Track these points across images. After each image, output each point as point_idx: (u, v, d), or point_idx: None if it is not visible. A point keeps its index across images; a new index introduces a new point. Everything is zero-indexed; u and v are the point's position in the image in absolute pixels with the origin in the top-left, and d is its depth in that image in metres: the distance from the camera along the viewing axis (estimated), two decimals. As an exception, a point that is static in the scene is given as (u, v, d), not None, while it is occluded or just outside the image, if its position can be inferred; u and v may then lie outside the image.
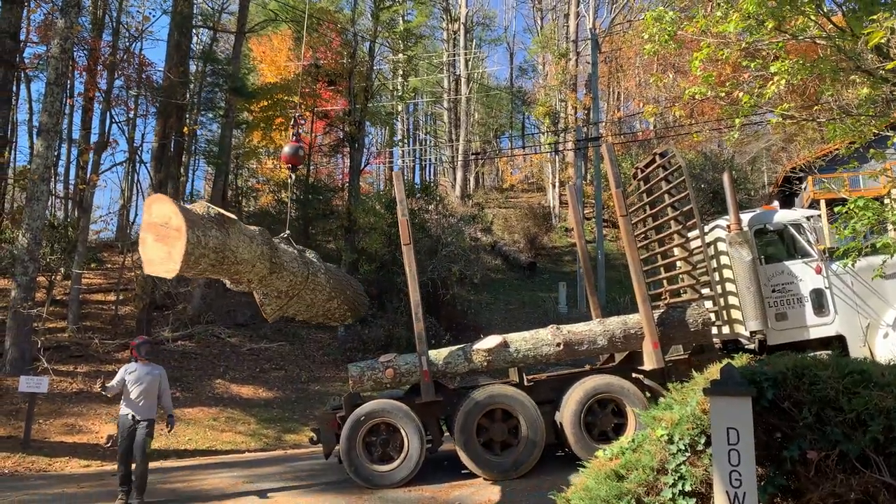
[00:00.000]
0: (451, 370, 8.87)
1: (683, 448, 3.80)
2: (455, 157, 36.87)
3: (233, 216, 7.25)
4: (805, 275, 9.19)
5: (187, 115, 21.22)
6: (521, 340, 8.92)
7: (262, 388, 17.90)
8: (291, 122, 10.22)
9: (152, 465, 12.25)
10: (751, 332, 8.91)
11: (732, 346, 9.89)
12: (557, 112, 34.51)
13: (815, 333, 9.12)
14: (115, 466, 12.15)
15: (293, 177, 9.83)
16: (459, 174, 35.93)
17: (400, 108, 39.05)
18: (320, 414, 9.13)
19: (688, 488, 3.72)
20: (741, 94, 6.44)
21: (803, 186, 33.84)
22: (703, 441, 3.80)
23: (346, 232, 21.96)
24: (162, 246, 6.17)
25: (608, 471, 3.92)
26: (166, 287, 17.75)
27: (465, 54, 36.49)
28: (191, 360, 18.56)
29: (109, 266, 25.82)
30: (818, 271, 9.02)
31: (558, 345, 8.85)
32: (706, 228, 9.74)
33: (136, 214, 27.28)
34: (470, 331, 20.10)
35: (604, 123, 32.75)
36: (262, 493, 8.41)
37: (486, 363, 8.80)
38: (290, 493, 8.38)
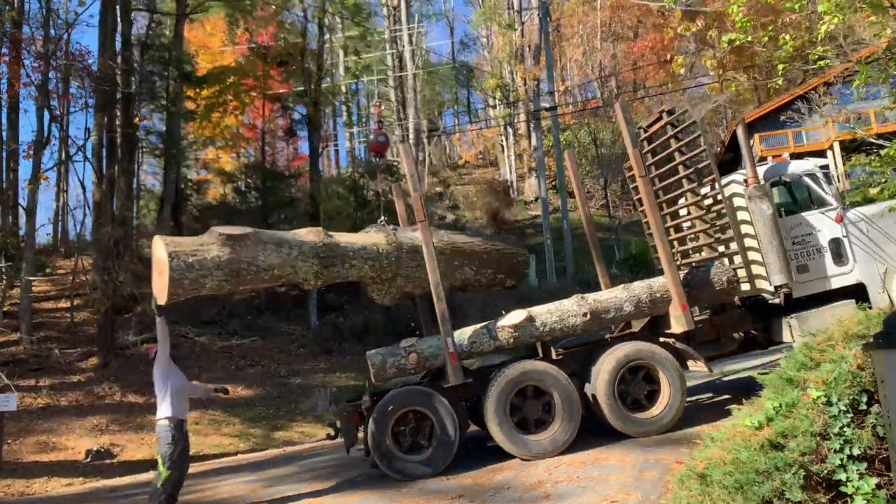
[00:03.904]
0: (476, 350, 8.44)
1: (845, 409, 3.49)
2: (406, 136, 36.14)
3: (242, 231, 7.51)
4: (822, 225, 9.09)
5: (130, 106, 19.98)
6: (547, 313, 8.54)
7: (240, 386, 17.15)
8: (371, 110, 10.16)
9: (144, 478, 11.54)
10: (775, 287, 8.74)
11: (750, 303, 9.76)
12: (508, 84, 34.14)
13: (836, 283, 9.05)
14: (106, 482, 11.47)
15: (378, 161, 9.63)
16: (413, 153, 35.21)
17: (343, 90, 38.07)
18: (341, 407, 8.62)
19: (856, 452, 3.41)
20: (787, 37, 6.17)
21: (751, 144, 34.57)
22: (864, 400, 3.49)
23: (311, 218, 21.17)
24: (160, 278, 7.01)
25: (762, 441, 3.56)
26: (129, 289, 16.72)
27: (409, 29, 35.70)
28: (161, 364, 17.61)
29: (57, 272, 24.34)
30: (839, 220, 8.92)
31: (585, 315, 8.51)
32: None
33: (85, 215, 25.70)
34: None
35: (559, 92, 32.60)
36: (291, 498, 7.85)
37: (512, 339, 8.41)
38: (323, 495, 7.84)
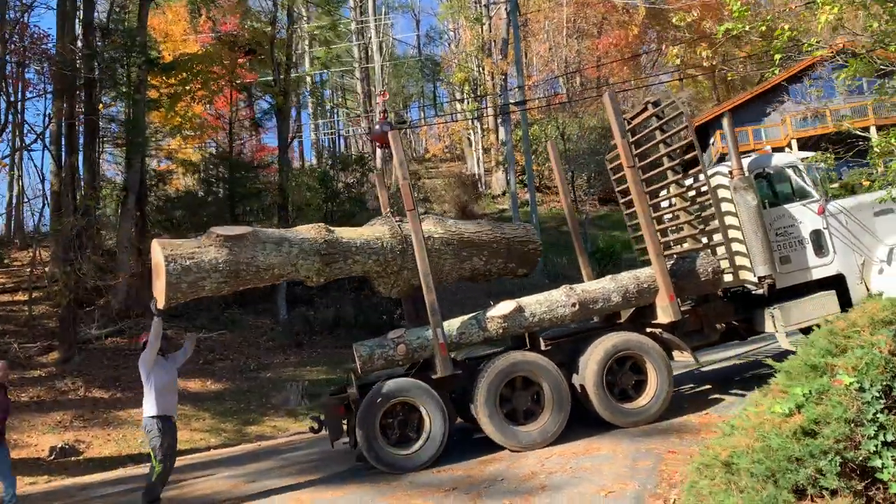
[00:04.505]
0: (465, 341, 8.33)
1: (878, 395, 3.47)
2: (371, 128, 35.74)
3: (241, 231, 7.41)
4: (804, 217, 9.20)
5: (93, 92, 19.31)
6: (536, 304, 8.47)
7: (209, 380, 16.77)
8: (376, 99, 9.92)
9: (115, 475, 11.19)
10: (759, 278, 8.82)
11: (731, 293, 9.82)
12: (476, 78, 34.02)
13: (816, 274, 9.18)
14: (74, 480, 11.06)
15: (378, 153, 9.36)
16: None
17: (309, 81, 37.50)
18: (325, 400, 8.41)
19: (890, 438, 3.39)
20: (785, 26, 6.17)
21: (711, 141, 35.22)
22: (896, 386, 3.46)
23: (280, 209, 20.79)
24: (158, 281, 6.99)
25: (794, 427, 3.52)
26: (93, 280, 16.18)
27: (376, 20, 35.32)
28: (127, 358, 17.08)
29: (13, 263, 23.48)
30: (821, 212, 9.04)
31: (573, 305, 8.46)
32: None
33: (44, 205, 24.80)
34: (419, 303, 19.54)
35: (527, 87, 32.62)
36: (276, 491, 7.65)
37: (501, 330, 8.31)
38: (308, 488, 7.66)
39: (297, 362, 18.42)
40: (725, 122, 9.14)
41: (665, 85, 46.15)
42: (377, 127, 9.42)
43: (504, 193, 32.63)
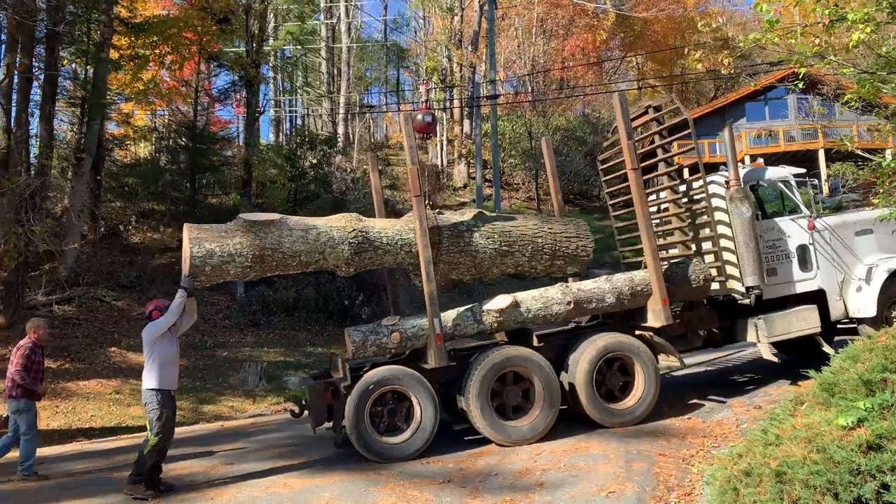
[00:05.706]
0: (459, 333, 8.25)
1: (943, 412, 3.49)
2: (335, 110, 35.20)
3: (268, 217, 7.57)
4: (792, 231, 9.40)
5: (55, 47, 18.31)
6: (532, 300, 8.43)
7: (163, 355, 16.14)
8: (419, 88, 9.56)
9: (76, 448, 10.66)
10: (747, 288, 8.98)
11: (712, 301, 9.94)
12: (445, 69, 33.81)
13: (800, 288, 9.39)
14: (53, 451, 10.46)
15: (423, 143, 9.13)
16: (341, 128, 34.35)
17: (273, 57, 36.58)
18: (310, 385, 8.17)
19: (954, 456, 3.41)
20: (815, 40, 6.23)
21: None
22: (963, 404, 3.50)
23: (244, 185, 20.19)
24: (185, 263, 7.18)
25: (860, 441, 3.52)
26: (45, 245, 15.36)
27: (346, 1, 34.70)
28: (76, 328, 16.34)
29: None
30: (811, 227, 9.24)
31: (569, 303, 8.45)
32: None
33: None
34: (381, 291, 19.29)
35: (501, 81, 32.58)
36: (260, 475, 7.40)
37: (496, 324, 8.26)
38: (295, 473, 7.44)
39: (253, 342, 17.95)
40: (726, 132, 9.26)
41: (625, 93, 46.86)
42: (419, 116, 9.18)
43: (465, 186, 32.59)
